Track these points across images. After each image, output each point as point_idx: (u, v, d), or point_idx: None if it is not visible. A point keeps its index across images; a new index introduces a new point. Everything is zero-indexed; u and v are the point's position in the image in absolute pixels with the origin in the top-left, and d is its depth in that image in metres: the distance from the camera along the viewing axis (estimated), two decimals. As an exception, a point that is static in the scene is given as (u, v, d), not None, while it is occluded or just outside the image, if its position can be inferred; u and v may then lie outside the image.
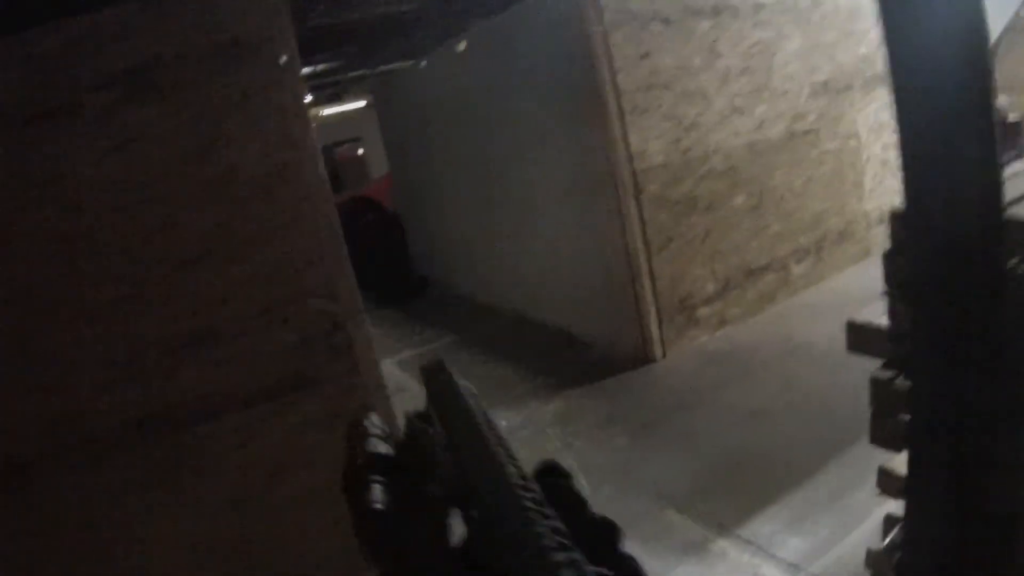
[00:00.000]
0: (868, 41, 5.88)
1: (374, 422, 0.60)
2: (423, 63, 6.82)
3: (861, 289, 5.10)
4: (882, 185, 5.98)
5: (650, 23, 4.62)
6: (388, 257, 8.05)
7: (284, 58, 2.49)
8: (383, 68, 8.51)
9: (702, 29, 4.84)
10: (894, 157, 6.12)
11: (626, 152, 4.57)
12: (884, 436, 1.98)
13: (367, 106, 11.12)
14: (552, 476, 0.50)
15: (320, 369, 2.64)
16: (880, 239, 5.97)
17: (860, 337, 2.25)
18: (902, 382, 1.89)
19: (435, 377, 0.62)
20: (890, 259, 1.99)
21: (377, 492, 0.52)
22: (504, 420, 4.31)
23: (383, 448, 0.57)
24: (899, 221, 1.91)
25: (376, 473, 0.53)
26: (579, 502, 0.47)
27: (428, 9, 5.73)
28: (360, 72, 8.71)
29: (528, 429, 4.24)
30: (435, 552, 0.51)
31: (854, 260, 5.77)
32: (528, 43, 5.04)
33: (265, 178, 2.51)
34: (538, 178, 5.44)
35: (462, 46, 5.96)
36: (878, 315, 2.14)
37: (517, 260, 6.14)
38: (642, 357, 4.79)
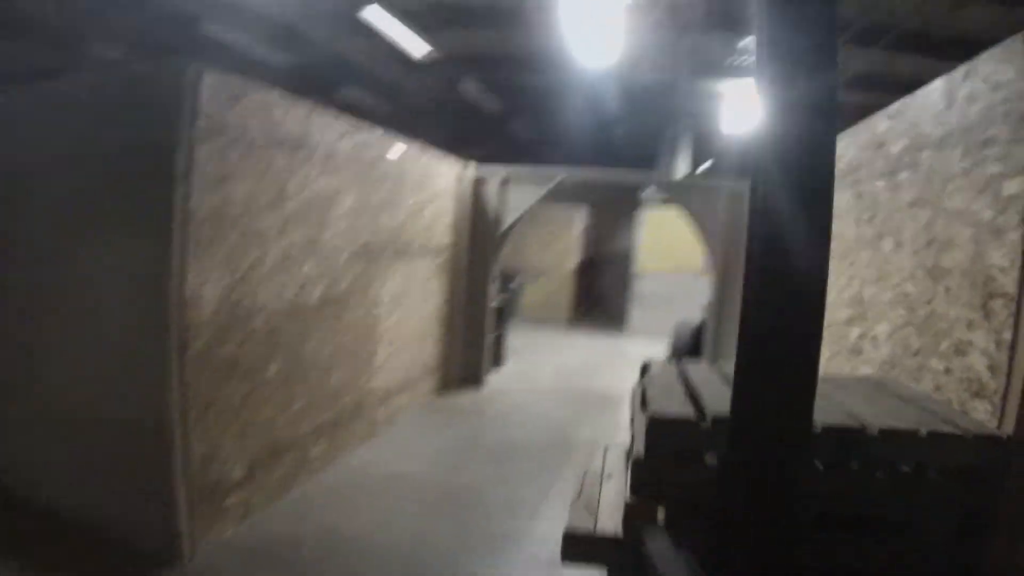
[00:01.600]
0: (406, 209, 6.01)
1: None
2: None
3: (380, 471, 4.95)
4: (389, 362, 5.97)
5: (236, 143, 3.74)
6: None
7: None
8: None
9: (278, 164, 4.15)
10: (408, 333, 6.41)
11: (179, 295, 3.45)
12: None
13: None
14: None
15: None
16: (384, 417, 5.87)
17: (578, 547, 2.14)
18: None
19: None
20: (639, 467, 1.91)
21: None
22: None
23: None
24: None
25: None
26: None
27: None
28: None
29: None
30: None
31: (362, 439, 5.49)
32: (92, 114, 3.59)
33: None
34: (64, 296, 3.75)
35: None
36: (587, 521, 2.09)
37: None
38: (167, 556, 3.47)
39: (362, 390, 5.50)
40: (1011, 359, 2.19)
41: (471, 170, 7.66)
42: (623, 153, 16.64)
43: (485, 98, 11.66)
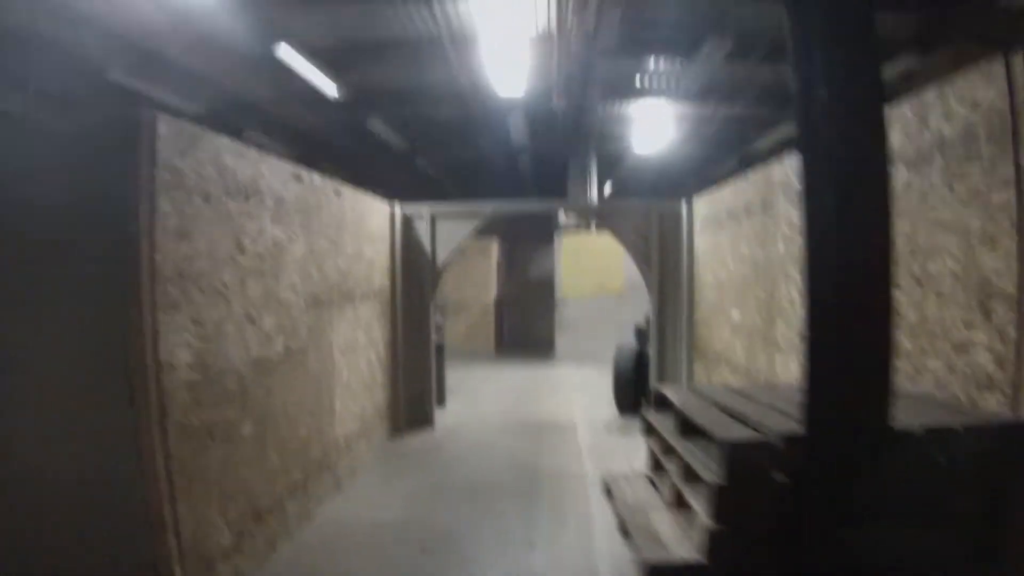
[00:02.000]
0: (346, 254, 5.88)
1: None
2: None
3: (359, 522, 4.77)
4: (347, 409, 5.79)
5: (193, 193, 3.58)
6: None
7: None
8: None
9: (234, 214, 4.00)
10: (359, 379, 6.20)
11: (154, 359, 3.25)
12: None
13: None
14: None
15: None
16: (347, 466, 5.67)
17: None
18: None
19: None
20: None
21: None
22: None
23: None
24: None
25: None
26: None
27: None
28: None
29: None
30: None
31: (330, 491, 5.28)
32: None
33: None
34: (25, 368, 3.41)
35: None
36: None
37: None
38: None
39: (326, 441, 5.31)
40: (1018, 353, 2.37)
41: (398, 209, 7.60)
42: (533, 180, 16.98)
43: (391, 135, 11.63)
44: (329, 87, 8.38)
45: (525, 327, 14.69)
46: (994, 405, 2.48)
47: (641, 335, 8.27)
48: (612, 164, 14.50)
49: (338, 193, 5.77)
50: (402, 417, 7.49)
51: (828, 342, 1.94)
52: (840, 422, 1.90)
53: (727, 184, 5.80)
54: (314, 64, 7.56)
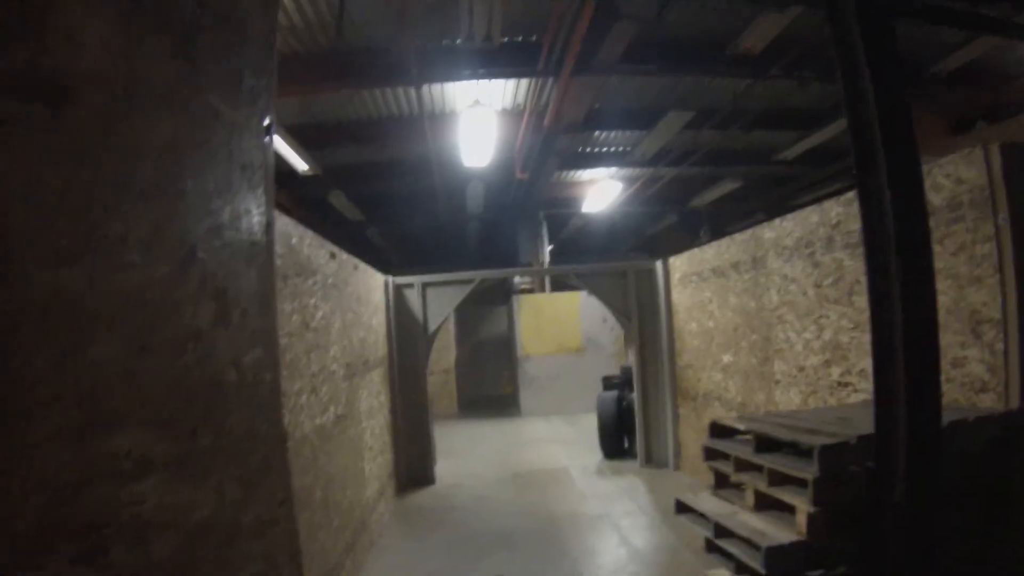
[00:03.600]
0: (365, 327, 6.27)
1: None
2: None
3: None
4: (372, 472, 6.10)
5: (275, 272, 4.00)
6: None
7: None
8: None
9: (300, 292, 4.42)
10: (377, 443, 6.52)
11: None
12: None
13: None
14: None
15: None
16: (375, 526, 5.95)
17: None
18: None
19: None
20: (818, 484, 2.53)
21: None
22: None
23: None
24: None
25: None
26: None
27: None
28: None
29: None
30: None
31: (367, 551, 5.57)
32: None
33: None
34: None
35: None
36: None
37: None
38: None
39: (362, 503, 5.62)
40: (1006, 363, 3.10)
41: (390, 279, 8.05)
42: (481, 246, 17.60)
43: (348, 207, 12.04)
44: (300, 163, 8.77)
45: (487, 386, 15.13)
46: (989, 404, 3.18)
47: (617, 384, 8.91)
48: (560, 226, 15.35)
49: (356, 267, 6.20)
50: (405, 477, 7.80)
51: (892, 359, 2.57)
52: (901, 423, 2.53)
53: (708, 246, 6.57)
54: (288, 142, 7.94)
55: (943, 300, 3.48)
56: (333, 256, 5.39)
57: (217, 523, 1.48)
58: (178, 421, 1.40)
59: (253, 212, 1.71)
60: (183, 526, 1.39)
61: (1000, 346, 3.13)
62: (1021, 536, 2.93)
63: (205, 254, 1.50)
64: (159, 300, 1.36)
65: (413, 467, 8.01)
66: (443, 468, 8.75)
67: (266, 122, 1.76)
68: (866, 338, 4.15)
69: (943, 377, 3.48)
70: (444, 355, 14.45)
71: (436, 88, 7.63)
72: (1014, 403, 3.08)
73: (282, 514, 1.84)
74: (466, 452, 10.02)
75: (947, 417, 2.89)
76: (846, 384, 4.30)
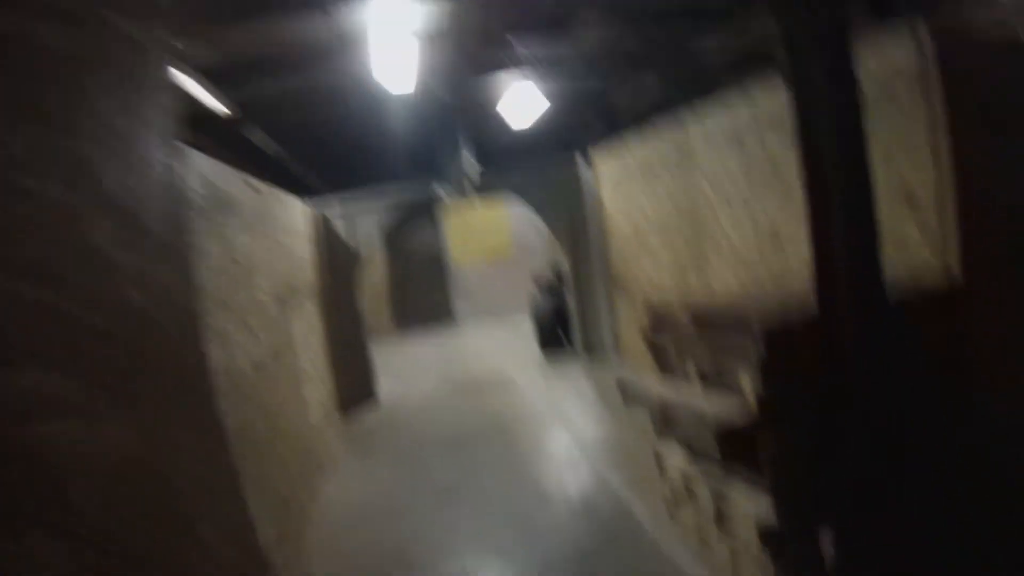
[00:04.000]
0: (287, 254, 6.01)
1: None
2: None
3: (373, 491, 5.07)
4: (314, 397, 5.99)
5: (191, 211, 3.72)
6: None
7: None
8: None
9: (221, 227, 4.16)
10: (316, 369, 6.31)
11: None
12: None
13: None
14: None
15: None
16: (323, 449, 5.90)
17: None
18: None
19: None
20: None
21: None
22: None
23: None
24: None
25: None
26: None
27: None
28: None
29: None
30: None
31: (318, 475, 5.53)
32: None
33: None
34: None
35: None
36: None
37: None
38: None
39: (307, 431, 5.53)
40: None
41: (314, 207, 7.74)
42: (404, 162, 17.05)
43: (269, 143, 11.41)
44: (218, 106, 8.19)
45: (422, 299, 14.98)
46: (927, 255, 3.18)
47: (549, 283, 8.98)
48: (485, 140, 14.94)
49: (278, 199, 5.90)
50: (348, 398, 7.75)
51: (829, 239, 2.58)
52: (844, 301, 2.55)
53: (633, 141, 6.46)
54: (202, 83, 7.37)
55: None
56: (254, 189, 5.07)
57: (142, 460, 1.35)
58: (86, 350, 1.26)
59: (154, 130, 1.53)
60: (102, 468, 1.25)
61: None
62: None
63: (103, 173, 1.35)
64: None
65: (355, 389, 7.94)
66: (385, 386, 8.73)
67: (167, 39, 1.58)
68: (804, 227, 4.20)
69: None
70: (376, 273, 14.20)
71: (347, 10, 7.08)
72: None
73: (213, 444, 1.75)
74: (406, 367, 10.03)
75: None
76: (785, 272, 4.35)
